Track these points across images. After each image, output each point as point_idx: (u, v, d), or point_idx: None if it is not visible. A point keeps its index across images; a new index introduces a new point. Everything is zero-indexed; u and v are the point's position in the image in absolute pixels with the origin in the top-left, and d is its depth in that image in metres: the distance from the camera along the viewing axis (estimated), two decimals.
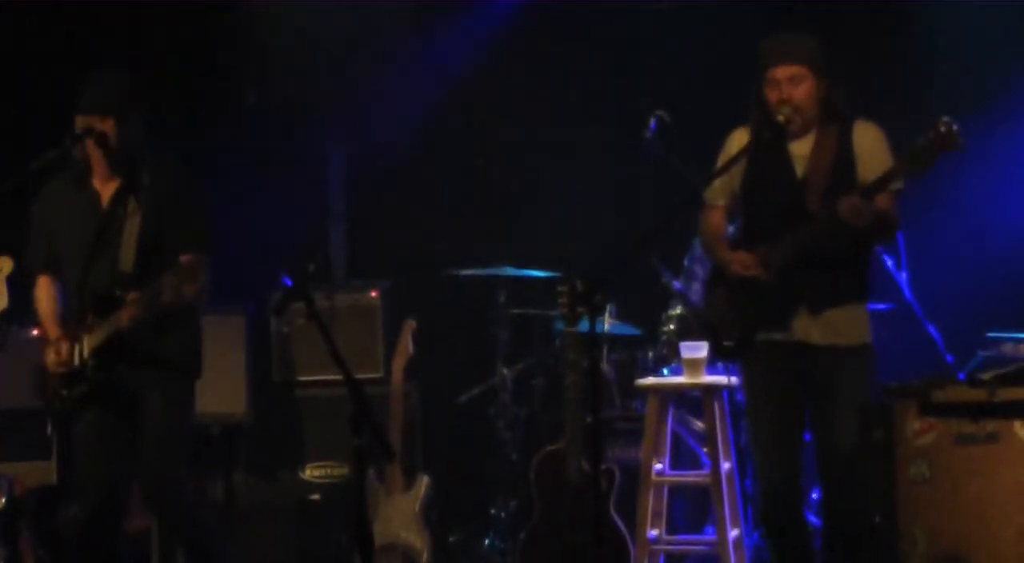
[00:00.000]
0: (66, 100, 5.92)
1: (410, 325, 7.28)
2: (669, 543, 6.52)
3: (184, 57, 8.22)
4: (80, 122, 5.79)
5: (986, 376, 5.26)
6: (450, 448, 7.85)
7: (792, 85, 5.59)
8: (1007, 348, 6.53)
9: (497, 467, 7.61)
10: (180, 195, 5.85)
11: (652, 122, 6.89)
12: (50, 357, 5.76)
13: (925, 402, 5.28)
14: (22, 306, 6.20)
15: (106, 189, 5.84)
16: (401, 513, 6.97)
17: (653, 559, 6.44)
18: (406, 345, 7.24)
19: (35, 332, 7.08)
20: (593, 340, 5.25)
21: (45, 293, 5.96)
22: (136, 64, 7.96)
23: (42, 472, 7.08)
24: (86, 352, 5.71)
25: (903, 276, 6.85)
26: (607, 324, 7.30)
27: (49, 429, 5.99)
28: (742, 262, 5.64)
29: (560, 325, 7.10)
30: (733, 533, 6.32)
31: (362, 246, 8.48)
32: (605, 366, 7.32)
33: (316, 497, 7.40)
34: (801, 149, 5.67)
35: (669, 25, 8.01)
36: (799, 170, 5.64)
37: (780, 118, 5.57)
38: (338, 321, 7.39)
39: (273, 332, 7.60)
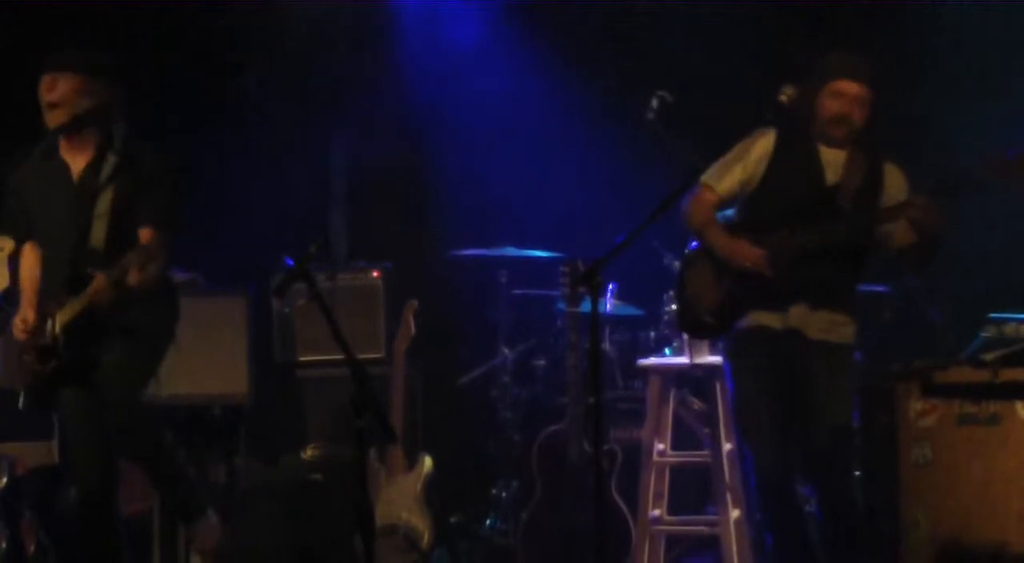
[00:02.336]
0: None
1: (412, 306, 7.28)
2: (670, 523, 6.52)
3: (186, 41, 8.21)
4: (46, 82, 5.70)
5: (988, 357, 5.26)
6: (452, 429, 7.86)
7: (858, 105, 5.60)
8: (1009, 329, 6.51)
9: (498, 448, 7.61)
10: (152, 171, 5.74)
11: (653, 102, 6.87)
12: (16, 326, 5.73)
13: (927, 383, 5.29)
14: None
15: (76, 162, 5.77)
16: (402, 494, 6.98)
17: (654, 539, 6.44)
18: (408, 326, 7.24)
19: None
20: (595, 321, 5.25)
21: (30, 262, 5.91)
22: (136, 46, 7.98)
23: (43, 452, 7.08)
24: (57, 328, 5.66)
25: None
26: (609, 305, 7.30)
27: (21, 404, 5.94)
28: (749, 256, 5.62)
29: (562, 306, 7.09)
30: (734, 513, 6.32)
31: (363, 227, 8.47)
32: (607, 347, 7.33)
33: (317, 478, 7.40)
34: (833, 157, 5.68)
35: (670, 11, 7.99)
36: (829, 175, 5.64)
37: (782, 98, 5.54)
38: (340, 302, 7.38)
39: (274, 313, 7.59)
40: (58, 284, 5.69)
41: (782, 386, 5.66)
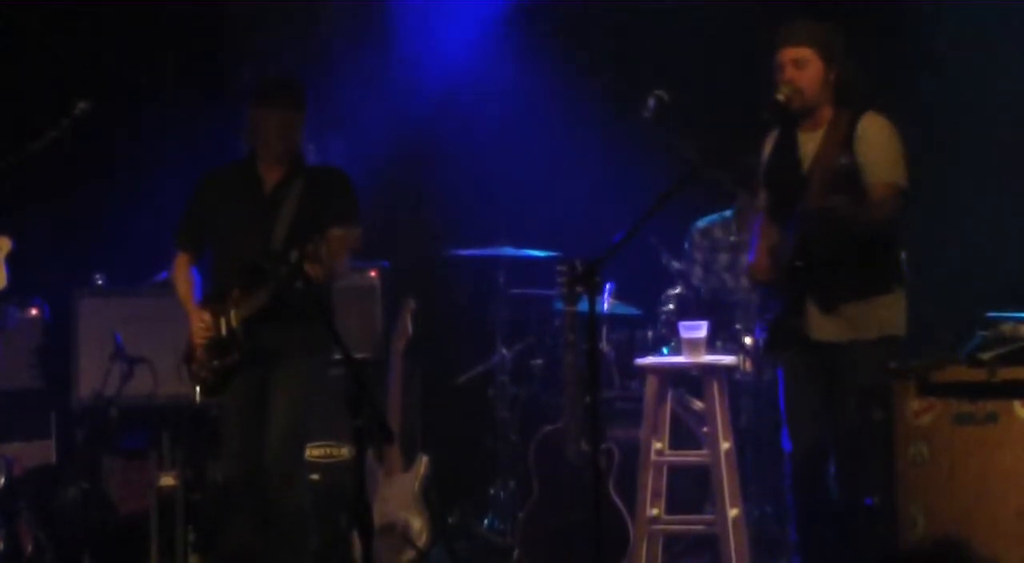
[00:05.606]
0: (59, 80, 5.92)
1: (409, 306, 7.28)
2: (668, 523, 6.52)
3: (182, 40, 8.21)
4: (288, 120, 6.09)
5: (985, 356, 5.25)
6: (449, 428, 7.85)
7: (796, 67, 5.53)
8: (1006, 328, 6.51)
9: (496, 447, 7.61)
10: (337, 182, 6.18)
11: (651, 102, 6.87)
12: (195, 325, 6.02)
13: (924, 382, 5.28)
14: (21, 286, 6.21)
15: (270, 176, 6.13)
16: (400, 493, 6.98)
17: (652, 539, 6.44)
18: (405, 326, 7.24)
19: (33, 312, 7.10)
20: (592, 320, 5.25)
21: (182, 274, 6.21)
22: (132, 46, 7.98)
23: (41, 452, 7.09)
24: (234, 322, 5.95)
25: (901, 255, 6.84)
26: (606, 304, 7.30)
27: (198, 398, 6.15)
28: (758, 268, 5.64)
29: (559, 305, 7.09)
30: (732, 513, 6.32)
31: (360, 226, 8.45)
32: (604, 346, 7.33)
33: (315, 477, 7.39)
34: (811, 141, 5.62)
35: (668, 9, 7.99)
36: (806, 164, 5.60)
37: (779, 97, 5.53)
38: (337, 301, 7.37)
39: None
40: (237, 281, 5.97)
41: (811, 377, 5.66)
